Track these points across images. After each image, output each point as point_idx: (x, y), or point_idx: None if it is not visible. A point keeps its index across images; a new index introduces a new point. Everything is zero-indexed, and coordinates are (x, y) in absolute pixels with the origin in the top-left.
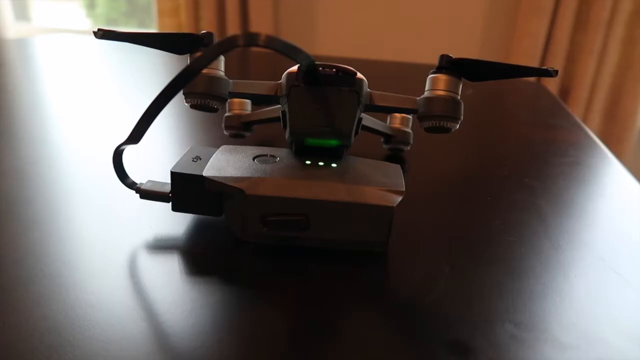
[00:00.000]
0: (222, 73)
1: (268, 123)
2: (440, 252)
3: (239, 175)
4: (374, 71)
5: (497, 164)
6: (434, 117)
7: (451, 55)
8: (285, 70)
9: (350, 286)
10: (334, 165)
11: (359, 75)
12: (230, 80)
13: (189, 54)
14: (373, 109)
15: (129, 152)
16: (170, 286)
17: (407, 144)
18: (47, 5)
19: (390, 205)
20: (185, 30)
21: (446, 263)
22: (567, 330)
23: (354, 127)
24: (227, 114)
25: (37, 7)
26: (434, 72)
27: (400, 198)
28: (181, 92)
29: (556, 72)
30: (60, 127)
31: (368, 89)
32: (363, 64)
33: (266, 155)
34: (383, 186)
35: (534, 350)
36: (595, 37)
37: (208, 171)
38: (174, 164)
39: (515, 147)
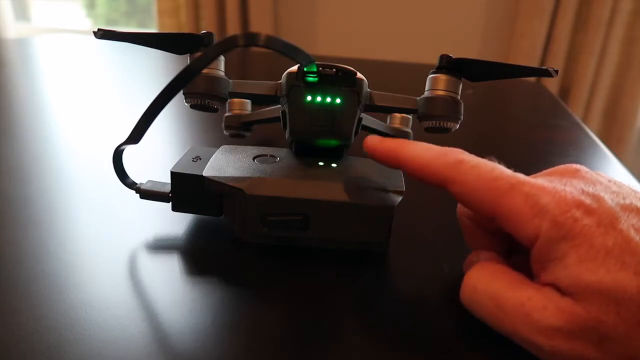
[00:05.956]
0: (222, 73)
1: (268, 123)
2: (440, 252)
3: (239, 175)
4: (374, 71)
5: None
6: (434, 117)
7: (451, 55)
8: (285, 70)
9: (350, 286)
10: (334, 165)
11: (359, 75)
12: (230, 80)
13: (189, 54)
14: (373, 109)
15: (129, 152)
16: (170, 286)
17: None
18: (47, 5)
19: (390, 205)
20: (185, 30)
21: (446, 263)
22: None
23: (354, 127)
24: (227, 114)
25: (37, 7)
26: (434, 72)
27: (400, 198)
28: (181, 92)
29: (556, 72)
30: (60, 126)
31: (368, 89)
32: (363, 64)
33: (266, 155)
34: (383, 186)
35: None
36: (595, 37)
37: (208, 171)
38: (174, 164)
39: (515, 147)
